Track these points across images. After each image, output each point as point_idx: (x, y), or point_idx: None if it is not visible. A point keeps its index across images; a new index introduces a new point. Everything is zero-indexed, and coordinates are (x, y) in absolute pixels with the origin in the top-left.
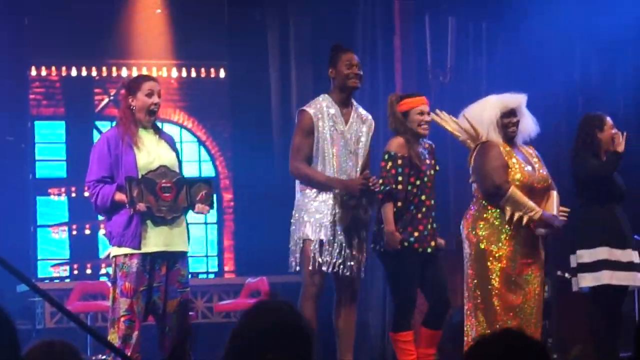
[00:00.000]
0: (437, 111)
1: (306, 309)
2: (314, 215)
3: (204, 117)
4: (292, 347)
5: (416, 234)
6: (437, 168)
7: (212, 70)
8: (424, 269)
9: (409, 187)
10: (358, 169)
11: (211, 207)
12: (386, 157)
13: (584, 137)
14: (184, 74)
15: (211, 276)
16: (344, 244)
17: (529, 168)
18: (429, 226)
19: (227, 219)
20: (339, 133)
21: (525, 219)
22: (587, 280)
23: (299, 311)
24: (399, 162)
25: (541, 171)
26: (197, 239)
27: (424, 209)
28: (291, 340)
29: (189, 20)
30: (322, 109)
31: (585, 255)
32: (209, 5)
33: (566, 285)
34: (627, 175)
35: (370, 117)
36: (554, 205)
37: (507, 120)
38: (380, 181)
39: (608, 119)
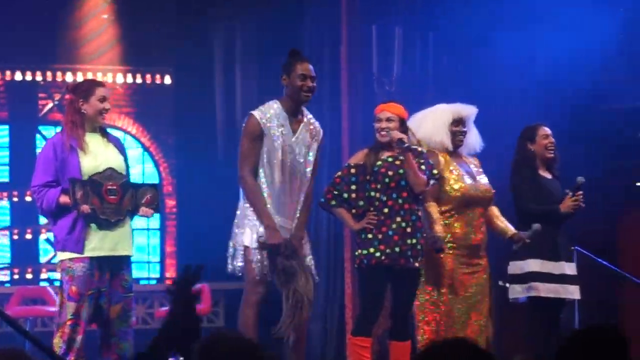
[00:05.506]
0: None
1: (247, 316)
2: (255, 222)
3: (149, 123)
4: None
5: (380, 236)
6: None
7: (158, 76)
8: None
9: (371, 193)
10: (304, 183)
11: (155, 210)
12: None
13: (518, 151)
14: (130, 79)
15: (152, 282)
16: None
17: (469, 179)
18: (394, 225)
19: (169, 225)
20: (287, 144)
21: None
22: (516, 292)
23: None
24: (352, 170)
25: (483, 182)
26: (139, 245)
27: (385, 210)
28: None
29: (136, 26)
30: (272, 114)
31: (517, 267)
32: (156, 12)
33: (507, 294)
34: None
35: (318, 127)
36: (507, 224)
37: (456, 129)
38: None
39: (543, 128)
